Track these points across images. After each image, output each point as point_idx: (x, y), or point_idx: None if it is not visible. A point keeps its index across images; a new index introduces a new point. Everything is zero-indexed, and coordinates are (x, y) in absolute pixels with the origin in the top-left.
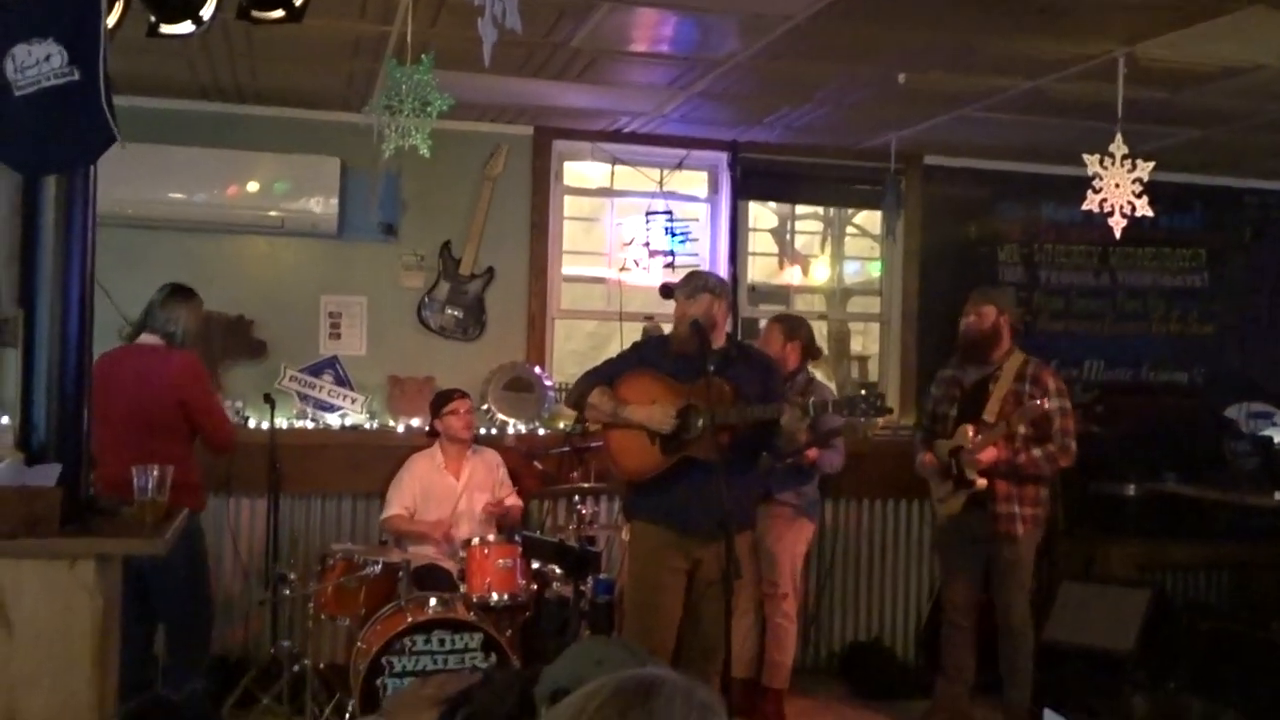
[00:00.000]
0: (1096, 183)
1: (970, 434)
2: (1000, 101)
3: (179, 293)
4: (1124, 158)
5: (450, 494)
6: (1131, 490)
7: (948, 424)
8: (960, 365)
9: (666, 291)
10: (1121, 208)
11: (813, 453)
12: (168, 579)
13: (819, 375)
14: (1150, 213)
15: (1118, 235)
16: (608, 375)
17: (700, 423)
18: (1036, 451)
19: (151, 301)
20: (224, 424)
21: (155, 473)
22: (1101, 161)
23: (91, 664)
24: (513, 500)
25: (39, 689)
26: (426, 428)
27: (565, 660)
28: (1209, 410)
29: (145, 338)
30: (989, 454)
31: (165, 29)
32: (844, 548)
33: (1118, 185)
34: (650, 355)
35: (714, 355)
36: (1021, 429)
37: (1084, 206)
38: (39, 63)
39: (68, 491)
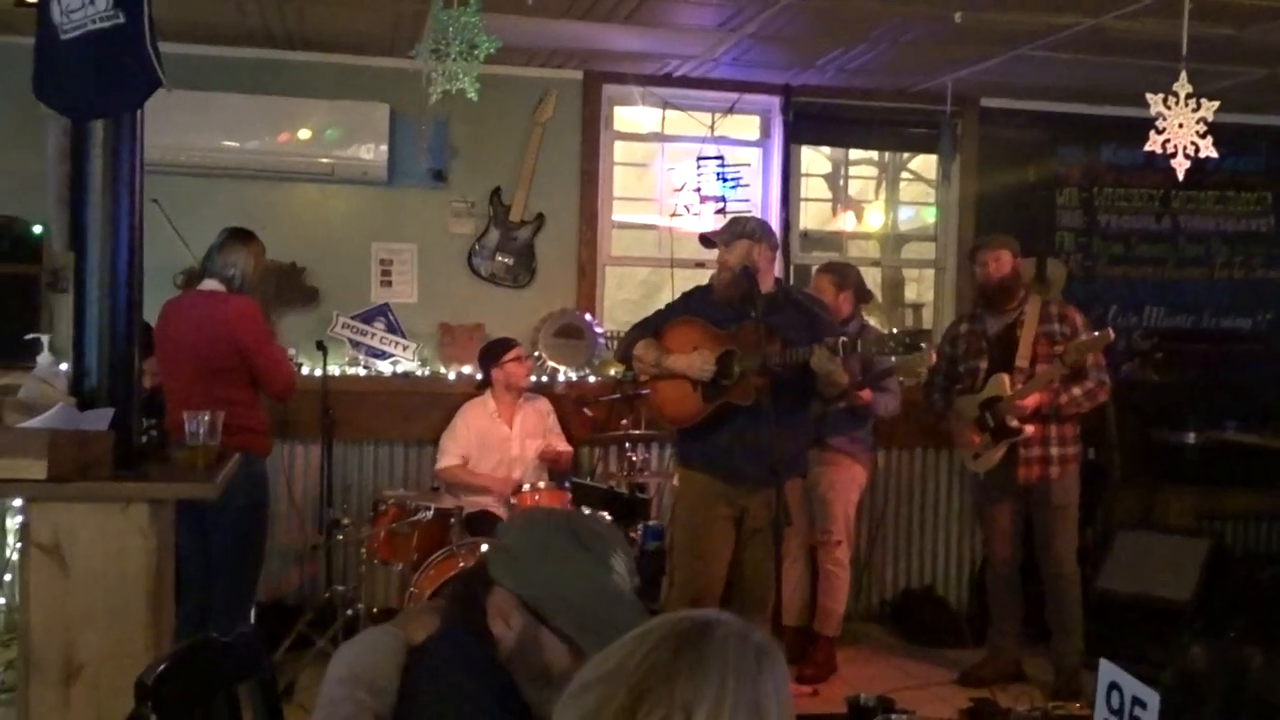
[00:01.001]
0: (1160, 123)
1: (1008, 383)
2: (1059, 40)
3: (237, 235)
4: (1188, 97)
5: (504, 441)
6: (1191, 438)
7: (978, 377)
8: (978, 317)
9: (707, 241)
10: (1185, 149)
11: (866, 394)
12: (224, 521)
13: (873, 322)
14: (1214, 154)
15: (1180, 177)
16: (654, 326)
17: (738, 369)
18: (1076, 390)
19: (211, 246)
20: (280, 369)
21: (206, 418)
22: (1165, 101)
23: (146, 605)
24: (563, 446)
25: (95, 629)
26: (479, 377)
27: (514, 540)
28: (1271, 357)
29: (206, 283)
30: (1031, 399)
31: None
32: (896, 495)
33: (1181, 125)
34: (696, 304)
35: (761, 300)
36: (1032, 397)
37: (1146, 147)
38: (84, 6)
39: (120, 436)
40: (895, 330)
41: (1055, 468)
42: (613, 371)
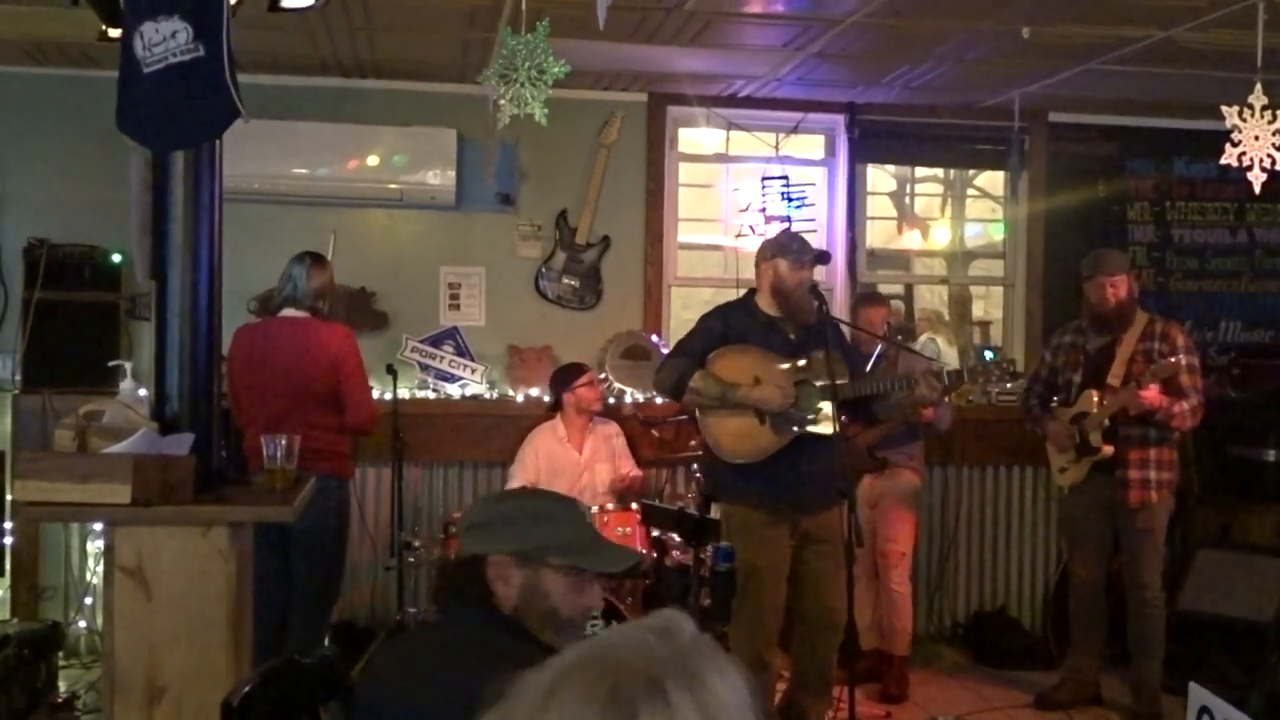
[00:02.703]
0: (1235, 135)
1: (1095, 399)
2: (1130, 54)
3: (318, 262)
4: (1264, 109)
5: (574, 467)
6: (1271, 455)
7: (1071, 391)
8: (1082, 330)
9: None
10: (1261, 161)
11: (929, 413)
12: (308, 544)
13: (940, 340)
14: None
15: (1257, 190)
16: (698, 353)
17: (818, 400)
18: (1184, 404)
19: (292, 273)
20: (369, 399)
21: (283, 442)
22: (1240, 113)
23: (226, 626)
24: (634, 471)
25: (177, 650)
26: (549, 400)
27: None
28: None
29: (288, 310)
30: (1150, 393)
31: (286, 3)
32: (968, 515)
33: (1257, 138)
34: (739, 328)
35: (802, 323)
36: (1154, 387)
37: (1222, 160)
38: (165, 40)
39: (200, 460)
40: (990, 355)
41: (1154, 492)
42: None
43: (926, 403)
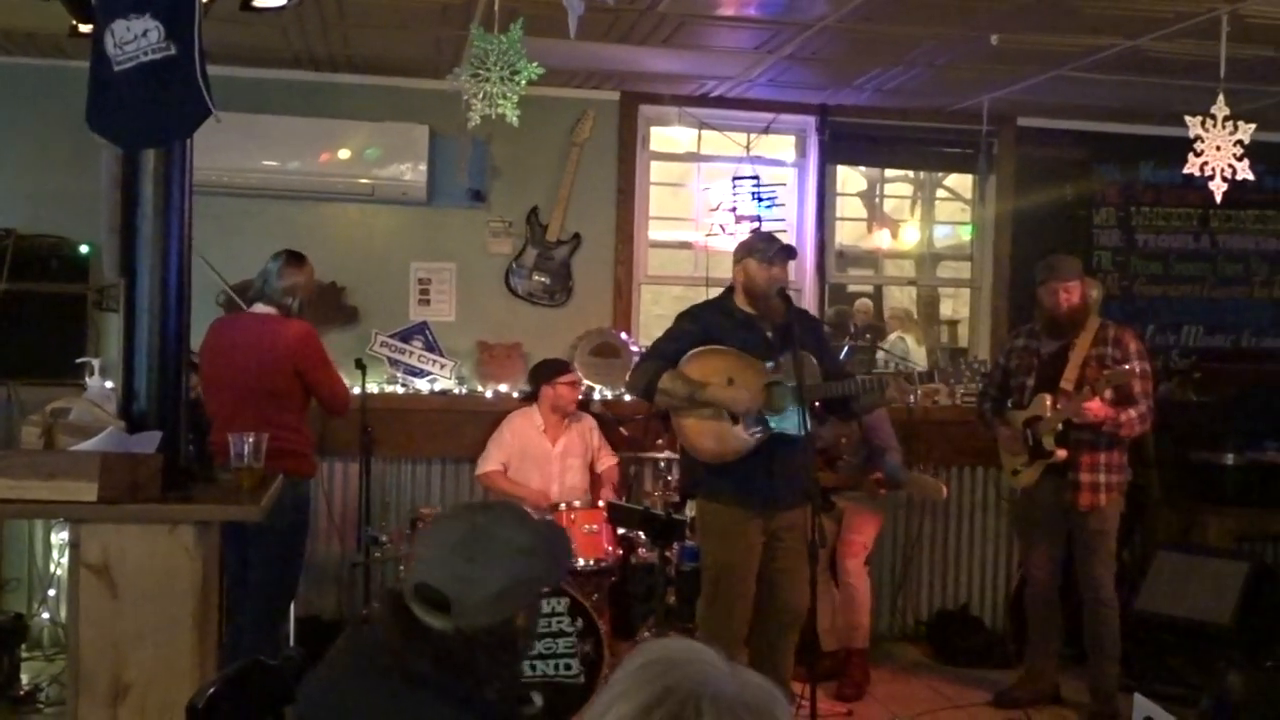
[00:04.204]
0: (1198, 145)
1: (1048, 403)
2: (1097, 61)
3: (294, 260)
4: (1225, 119)
5: (546, 459)
6: (1230, 459)
7: (1024, 394)
8: (1036, 333)
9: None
10: (1223, 171)
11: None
12: (265, 542)
13: (909, 339)
14: (1251, 176)
15: (1219, 200)
16: (671, 355)
17: (788, 401)
18: (1132, 412)
19: (268, 270)
20: (339, 387)
21: (251, 440)
22: (1203, 123)
23: (192, 625)
24: (612, 459)
25: (143, 649)
26: (526, 389)
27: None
28: None
29: (259, 307)
30: (1095, 405)
31: (258, 2)
32: (931, 515)
33: (1219, 148)
34: (714, 328)
35: (777, 323)
36: (1108, 394)
37: (1185, 170)
38: (137, 38)
39: (168, 458)
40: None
41: (1103, 495)
42: None
43: (897, 403)
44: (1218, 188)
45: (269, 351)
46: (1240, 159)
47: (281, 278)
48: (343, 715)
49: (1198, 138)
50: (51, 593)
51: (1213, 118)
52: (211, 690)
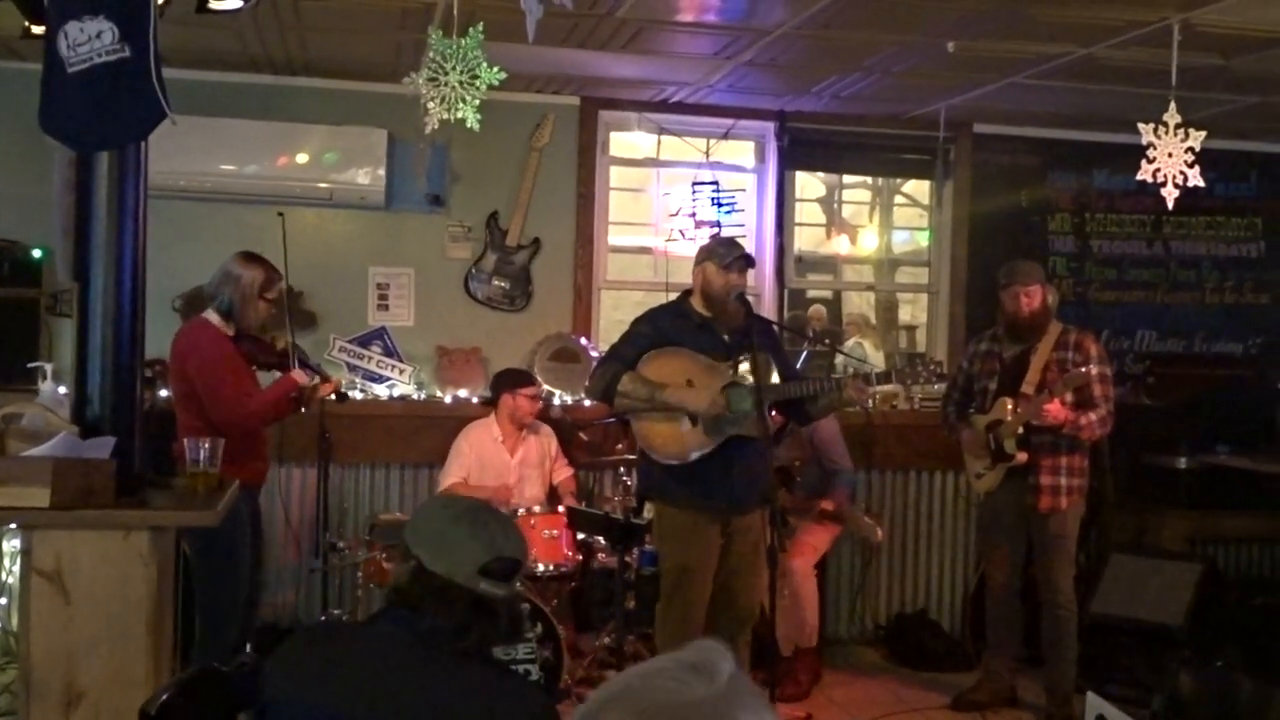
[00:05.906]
0: (1150, 152)
1: (1009, 407)
2: (1052, 69)
3: (233, 261)
4: (1177, 126)
5: (505, 468)
6: (1183, 462)
7: (986, 398)
8: (999, 338)
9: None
10: (1174, 178)
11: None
12: (197, 548)
13: (867, 344)
14: (1202, 183)
15: (1170, 206)
16: (629, 358)
17: (747, 403)
18: (1092, 415)
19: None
20: (223, 391)
21: (206, 445)
22: (1155, 130)
23: (146, 632)
24: (567, 469)
25: (96, 655)
26: (486, 396)
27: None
28: (1262, 382)
29: (207, 311)
30: (1054, 408)
31: (214, 4)
32: (890, 518)
33: (1171, 155)
34: (671, 331)
35: (733, 327)
36: (1068, 397)
37: (1138, 177)
38: (90, 39)
39: (122, 464)
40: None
41: (1064, 498)
42: None
43: (853, 404)
44: (1169, 194)
45: (173, 354)
46: (1191, 166)
47: (217, 278)
48: (434, 704)
49: (1150, 145)
50: (2, 600)
51: (1165, 125)
52: (164, 697)
